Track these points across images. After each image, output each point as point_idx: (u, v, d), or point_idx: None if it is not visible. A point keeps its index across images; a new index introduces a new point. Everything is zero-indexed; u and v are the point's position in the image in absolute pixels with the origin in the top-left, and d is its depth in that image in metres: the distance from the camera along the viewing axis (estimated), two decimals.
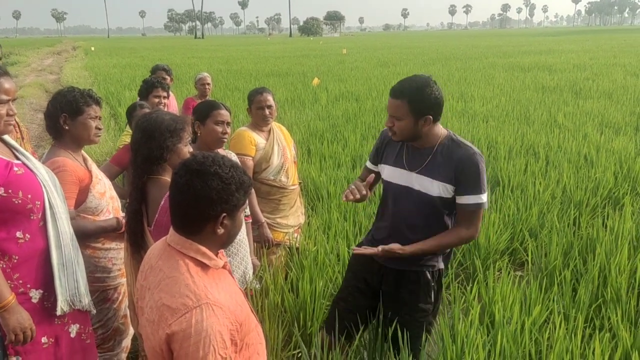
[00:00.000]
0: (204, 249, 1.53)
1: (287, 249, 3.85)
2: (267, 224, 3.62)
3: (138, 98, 4.60)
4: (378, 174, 2.65)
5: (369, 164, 2.70)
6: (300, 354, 2.91)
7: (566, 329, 2.84)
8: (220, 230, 1.54)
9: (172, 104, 5.49)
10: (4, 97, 1.97)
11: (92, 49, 42.23)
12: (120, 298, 2.69)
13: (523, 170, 5.89)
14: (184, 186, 1.50)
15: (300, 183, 4.04)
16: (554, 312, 3.00)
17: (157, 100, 4.32)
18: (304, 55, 31.34)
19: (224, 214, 1.52)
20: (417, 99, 2.26)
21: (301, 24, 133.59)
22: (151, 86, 4.35)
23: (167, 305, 1.43)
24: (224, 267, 1.62)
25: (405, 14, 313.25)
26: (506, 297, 3.09)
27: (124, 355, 2.80)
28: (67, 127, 2.41)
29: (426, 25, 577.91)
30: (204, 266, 1.52)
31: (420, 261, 2.46)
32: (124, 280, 2.66)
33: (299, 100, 12.25)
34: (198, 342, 1.37)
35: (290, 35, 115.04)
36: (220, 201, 1.50)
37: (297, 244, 3.86)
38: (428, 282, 2.49)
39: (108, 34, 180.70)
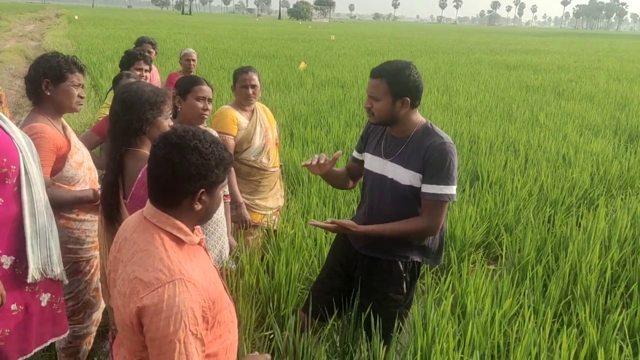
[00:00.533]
0: (180, 223, 1.51)
1: (265, 231, 3.83)
2: (246, 204, 3.60)
3: (120, 70, 4.51)
4: (359, 166, 2.66)
5: (354, 153, 2.70)
6: (272, 335, 2.92)
7: (535, 322, 2.89)
8: (198, 206, 1.51)
9: (155, 78, 5.40)
10: None
11: (76, 17, 41.29)
12: (92, 271, 2.65)
13: (503, 166, 5.95)
14: (162, 159, 1.47)
15: (281, 166, 4.02)
16: (524, 306, 3.05)
17: (138, 72, 4.24)
18: (292, 39, 31.09)
19: (202, 190, 1.50)
20: (396, 80, 2.27)
21: (291, 7, 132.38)
22: (133, 58, 4.27)
23: (139, 279, 1.40)
24: (199, 243, 1.61)
25: (395, 4, 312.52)
26: (479, 289, 3.13)
27: (93, 328, 2.77)
28: (48, 93, 2.35)
29: (416, 17, 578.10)
30: (179, 241, 1.50)
31: (393, 250, 2.45)
32: (96, 252, 2.62)
33: (285, 84, 12.16)
34: (169, 317, 1.36)
35: (280, 17, 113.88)
36: (198, 176, 1.47)
37: (274, 227, 3.85)
38: (400, 272, 2.47)
39: (93, 3, 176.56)
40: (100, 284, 2.67)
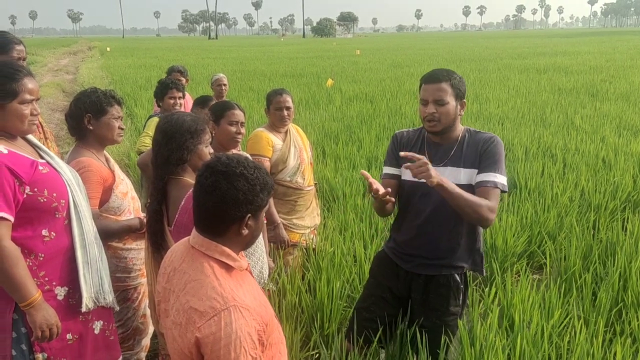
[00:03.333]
0: (228, 250, 1.54)
1: (304, 250, 3.85)
2: (283, 224, 3.63)
3: (154, 99, 4.63)
4: (397, 183, 2.53)
5: (389, 170, 2.54)
6: (318, 355, 2.92)
7: (587, 333, 2.81)
8: (245, 231, 1.54)
9: (188, 105, 5.52)
10: (28, 97, 2.00)
11: (108, 49, 42.58)
12: (139, 298, 2.71)
13: (540, 173, 5.85)
14: (209, 187, 1.50)
15: (316, 184, 4.05)
16: (574, 316, 2.97)
17: (172, 101, 4.33)
18: (317, 57, 31.36)
19: (249, 215, 1.52)
20: (457, 82, 2.30)
21: (314, 24, 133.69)
22: (166, 87, 4.36)
23: (194, 309, 1.43)
24: (246, 268, 1.63)
25: (418, 15, 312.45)
26: (525, 300, 3.07)
27: (143, 355, 2.82)
28: (91, 127, 2.45)
29: (440, 27, 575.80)
30: (228, 268, 1.53)
31: (447, 264, 2.44)
32: (143, 280, 2.69)
33: (313, 101, 12.26)
34: (229, 345, 1.38)
35: (304, 36, 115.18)
36: (246, 202, 1.50)
37: (313, 245, 3.87)
38: (457, 284, 2.47)
39: (123, 34, 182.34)
40: (148, 310, 2.73)
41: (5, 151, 1.93)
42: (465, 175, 2.34)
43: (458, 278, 2.47)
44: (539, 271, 4.18)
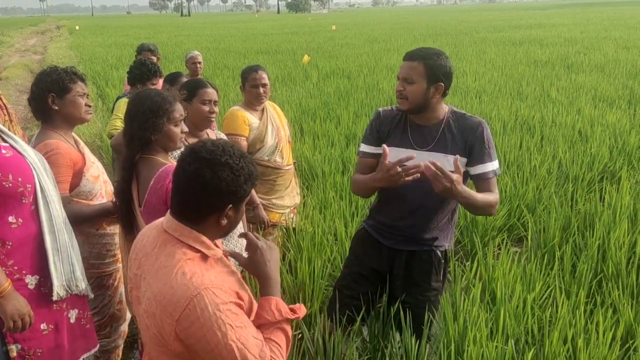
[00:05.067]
0: (203, 237, 1.47)
1: (284, 230, 3.80)
2: (263, 204, 3.56)
3: (126, 79, 4.45)
4: (376, 162, 2.39)
5: (367, 148, 2.46)
6: (300, 335, 2.89)
7: (568, 305, 2.83)
8: (224, 222, 1.48)
9: (159, 87, 5.37)
10: None
11: (77, 27, 41.43)
12: (115, 284, 2.63)
13: (518, 146, 5.86)
14: (191, 174, 1.42)
15: (294, 163, 3.98)
16: (555, 288, 2.99)
17: (153, 87, 4.17)
18: (292, 32, 30.97)
19: (230, 205, 1.46)
20: (433, 64, 2.23)
21: (289, 0, 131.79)
22: (153, 74, 4.13)
23: (167, 298, 1.37)
24: (221, 256, 1.57)
25: None
26: (506, 274, 3.07)
27: (121, 341, 2.75)
28: (56, 107, 2.32)
29: (415, 1, 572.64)
30: (202, 255, 1.47)
31: (429, 242, 2.43)
32: (118, 266, 2.61)
33: (290, 78, 12.10)
34: (212, 327, 1.34)
35: (278, 12, 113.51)
36: (228, 192, 1.43)
37: (293, 225, 3.81)
38: (439, 259, 2.47)
39: (92, 12, 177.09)
40: (124, 296, 2.66)
41: None
42: (450, 162, 2.25)
43: (440, 254, 2.47)
44: (518, 244, 4.20)
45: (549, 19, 38.02)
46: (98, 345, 2.28)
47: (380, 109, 2.52)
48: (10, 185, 1.89)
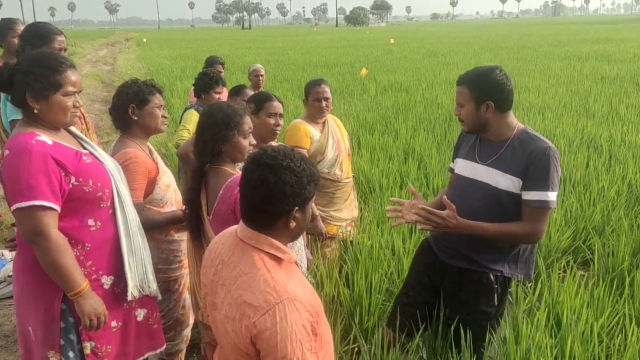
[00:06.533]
0: (277, 242, 1.52)
1: (341, 243, 3.82)
2: (321, 217, 3.60)
3: (192, 90, 4.62)
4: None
5: (451, 164, 2.66)
6: (357, 349, 2.89)
7: (638, 333, 2.69)
8: (292, 224, 1.53)
9: (224, 96, 5.52)
10: (71, 89, 2.00)
11: (144, 40, 43.29)
12: (180, 289, 2.72)
13: (585, 165, 5.65)
14: (256, 181, 1.48)
15: (353, 176, 4.00)
16: (624, 315, 2.85)
17: (217, 96, 4.32)
18: (350, 46, 31.12)
19: (296, 208, 1.50)
20: (476, 85, 2.27)
21: (347, 13, 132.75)
22: (215, 82, 4.30)
23: (248, 303, 1.43)
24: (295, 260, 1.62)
25: (453, 3, 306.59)
26: (572, 298, 2.96)
27: (183, 346, 2.84)
28: (135, 118, 2.46)
29: (475, 14, 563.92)
30: (278, 260, 1.52)
31: (484, 262, 2.37)
32: (184, 272, 2.70)
33: (348, 91, 12.16)
34: (285, 339, 1.38)
35: (337, 25, 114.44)
36: (293, 195, 1.48)
37: (350, 238, 3.83)
38: (490, 284, 2.39)
39: (159, 25, 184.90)
40: (188, 301, 2.75)
41: (50, 142, 1.94)
42: (504, 180, 2.27)
43: (492, 278, 2.38)
44: (584, 267, 4.04)
45: (616, 33, 36.48)
46: (165, 345, 2.37)
47: None
48: (90, 190, 2.01)
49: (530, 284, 3.34)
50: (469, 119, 2.32)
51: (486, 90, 2.25)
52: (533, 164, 2.22)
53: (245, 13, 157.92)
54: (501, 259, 2.37)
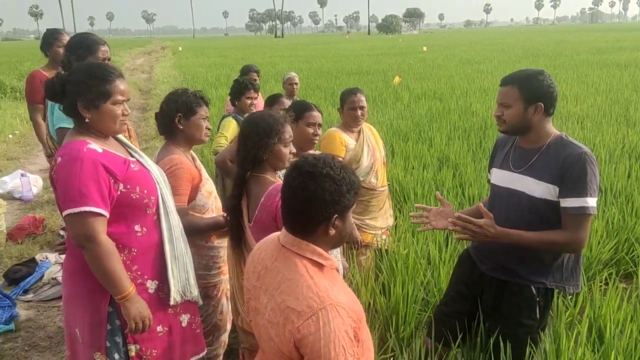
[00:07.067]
0: (319, 249, 1.55)
1: (376, 251, 3.81)
2: (356, 225, 3.60)
3: (229, 97, 4.71)
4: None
5: (488, 174, 2.65)
6: (393, 358, 2.88)
7: None
8: (332, 231, 1.55)
9: (260, 103, 5.60)
10: (120, 98, 2.07)
11: (180, 49, 44.07)
12: (219, 295, 2.77)
13: (626, 175, 5.50)
14: (297, 188, 1.51)
15: (388, 184, 4.00)
16: None
17: (249, 101, 4.38)
18: (383, 54, 31.07)
19: (336, 215, 1.53)
20: (528, 85, 2.24)
21: (379, 21, 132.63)
22: (244, 87, 4.39)
23: (291, 308, 1.45)
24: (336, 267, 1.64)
25: (487, 9, 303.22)
26: (615, 311, 2.89)
27: (221, 351, 2.88)
28: (181, 127, 2.53)
29: (510, 21, 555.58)
30: (320, 266, 1.54)
31: (526, 275, 2.34)
32: (222, 278, 2.75)
33: (380, 99, 12.14)
34: (328, 344, 1.40)
35: (369, 33, 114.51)
36: (332, 202, 1.51)
37: (385, 246, 3.82)
38: (532, 297, 2.35)
39: (193, 34, 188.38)
40: (225, 307, 2.79)
41: (100, 150, 2.01)
42: (540, 188, 2.24)
43: (534, 290, 2.34)
44: (627, 280, 3.93)
45: None
46: (206, 350, 2.41)
47: (499, 136, 2.59)
48: (137, 197, 2.07)
49: (571, 297, 3.27)
50: (513, 120, 2.27)
51: (537, 92, 2.23)
52: (569, 170, 2.18)
53: (278, 21, 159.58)
54: (544, 271, 2.33)
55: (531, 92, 2.22)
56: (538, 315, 2.37)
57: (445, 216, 2.42)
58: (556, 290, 2.42)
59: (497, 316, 2.43)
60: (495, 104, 2.37)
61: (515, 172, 2.33)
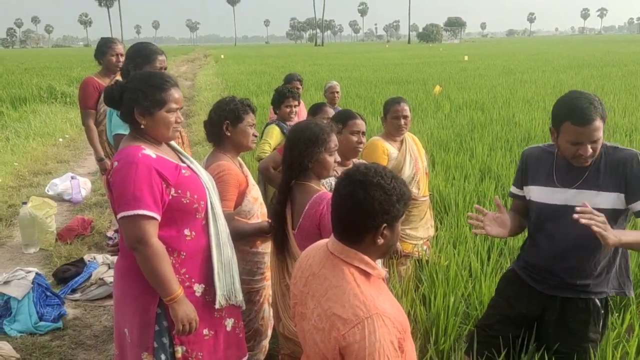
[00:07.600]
0: (367, 258, 1.57)
1: (416, 262, 3.80)
2: None
3: (271, 107, 4.78)
4: (522, 203, 2.51)
5: (514, 189, 2.56)
6: None
7: None
8: (380, 241, 1.56)
9: (302, 112, 5.65)
10: (174, 106, 2.15)
11: (222, 56, 44.88)
12: (261, 301, 2.81)
13: None
14: (346, 196, 1.53)
15: (430, 194, 3.98)
16: None
17: (288, 109, 4.40)
18: (423, 63, 30.86)
19: (385, 225, 1.54)
20: (603, 110, 2.14)
21: (420, 30, 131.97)
22: (283, 96, 4.44)
23: (337, 315, 1.47)
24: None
25: (531, 18, 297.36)
26: None
27: (262, 356, 2.91)
28: (228, 134, 2.60)
29: (554, 30, 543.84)
30: (367, 275, 1.55)
31: (588, 288, 2.30)
32: (265, 284, 2.79)
33: (421, 108, 12.06)
34: (373, 353, 1.42)
35: (409, 42, 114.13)
36: (381, 212, 1.52)
37: (425, 257, 3.80)
38: (598, 309, 2.32)
39: (235, 42, 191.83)
40: (266, 312, 2.83)
41: (154, 156, 2.09)
42: (605, 199, 2.19)
43: (599, 303, 2.31)
44: None
45: None
46: (248, 355, 2.45)
47: (526, 150, 2.52)
48: (188, 201, 2.13)
49: (618, 314, 3.17)
50: (598, 152, 2.18)
51: (605, 113, 2.16)
52: (628, 174, 2.15)
53: (318, 30, 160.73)
54: (604, 280, 2.30)
55: (605, 115, 2.14)
56: (601, 327, 2.36)
57: (501, 223, 2.35)
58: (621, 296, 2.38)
59: (564, 335, 2.36)
60: (573, 144, 2.15)
61: (568, 188, 2.26)
